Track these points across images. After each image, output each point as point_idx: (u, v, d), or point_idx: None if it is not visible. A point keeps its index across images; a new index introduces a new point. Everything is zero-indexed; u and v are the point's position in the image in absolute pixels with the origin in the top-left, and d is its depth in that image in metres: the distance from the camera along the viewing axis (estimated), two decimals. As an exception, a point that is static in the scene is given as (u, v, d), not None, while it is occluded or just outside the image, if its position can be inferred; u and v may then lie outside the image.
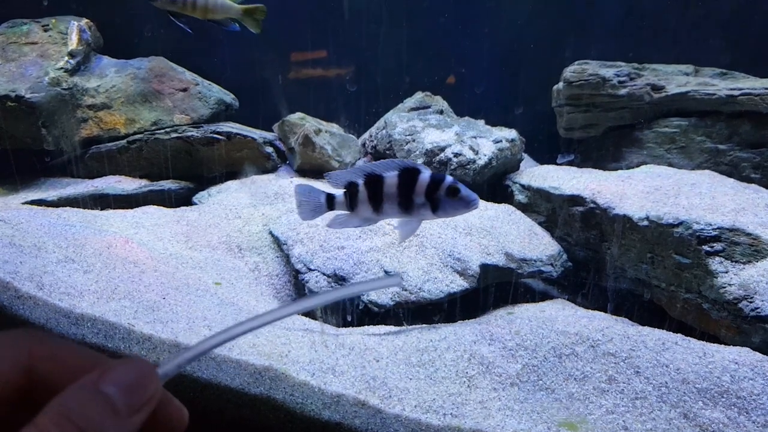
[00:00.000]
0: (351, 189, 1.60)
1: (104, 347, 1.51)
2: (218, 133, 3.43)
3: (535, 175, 3.30)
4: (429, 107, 3.95)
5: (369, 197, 1.59)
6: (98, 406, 0.41)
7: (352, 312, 2.11)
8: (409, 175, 1.57)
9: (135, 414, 0.43)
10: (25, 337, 0.45)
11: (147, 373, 0.45)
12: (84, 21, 3.69)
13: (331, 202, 1.65)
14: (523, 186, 3.24)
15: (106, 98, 3.48)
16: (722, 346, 1.81)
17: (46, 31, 3.56)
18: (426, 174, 1.57)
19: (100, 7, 3.85)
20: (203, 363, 1.55)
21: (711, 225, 2.24)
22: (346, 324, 2.09)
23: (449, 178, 1.59)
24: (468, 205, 1.58)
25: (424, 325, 1.94)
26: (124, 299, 1.68)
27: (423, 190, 1.56)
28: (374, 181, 1.58)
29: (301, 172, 3.44)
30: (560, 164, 3.78)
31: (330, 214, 1.67)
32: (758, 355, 1.73)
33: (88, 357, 0.46)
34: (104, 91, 3.51)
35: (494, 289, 2.53)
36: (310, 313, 2.14)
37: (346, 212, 1.65)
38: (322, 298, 0.58)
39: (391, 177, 1.58)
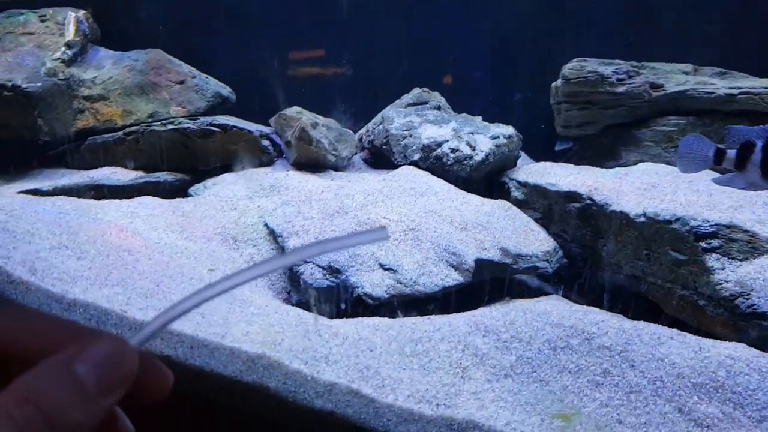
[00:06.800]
0: (746, 148, 1.54)
1: (95, 333, 1.50)
2: (215, 125, 3.42)
3: (531, 171, 3.29)
4: (426, 103, 3.94)
5: (763, 160, 1.52)
6: (66, 387, 0.38)
7: (346, 300, 2.10)
8: None
9: (107, 395, 0.41)
10: None
11: (122, 351, 0.42)
12: (81, 12, 3.67)
13: (720, 157, 1.60)
14: (519, 182, 3.24)
15: (103, 90, 3.46)
16: (718, 341, 1.81)
17: (43, 21, 3.54)
18: None
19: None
20: (195, 351, 1.54)
21: (708, 222, 2.24)
22: (339, 313, 2.08)
23: None
24: None
25: (418, 317, 1.93)
26: (117, 286, 1.67)
27: None
28: None
29: (298, 165, 3.43)
30: (558, 150, 3.78)
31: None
32: (754, 351, 1.73)
33: (66, 330, 0.44)
34: (101, 83, 3.49)
35: (489, 284, 2.52)
36: (303, 304, 2.13)
37: (734, 171, 1.58)
38: (303, 253, 0.53)
39: None
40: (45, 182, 2.98)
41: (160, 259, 1.97)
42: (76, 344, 0.41)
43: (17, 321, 0.43)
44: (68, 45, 3.46)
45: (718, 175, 1.92)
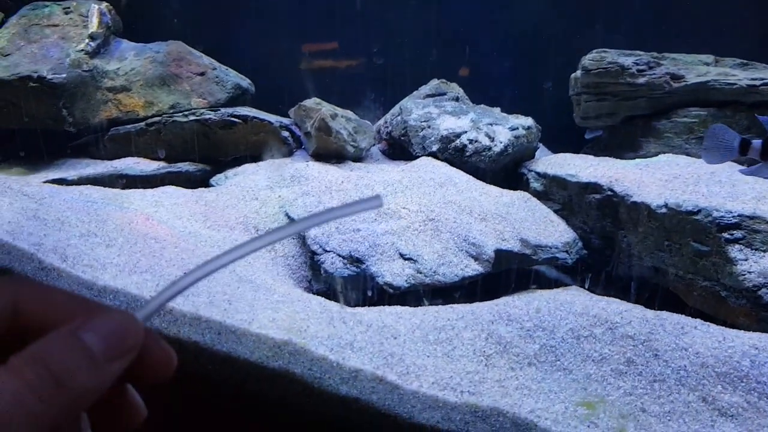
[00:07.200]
0: None
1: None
2: (235, 116, 3.45)
3: (551, 162, 3.28)
4: (445, 94, 3.94)
5: None
6: (75, 352, 0.41)
7: (372, 288, 2.13)
8: None
9: (113, 362, 0.43)
10: (9, 282, 0.45)
11: (128, 322, 0.45)
12: (104, 4, 3.72)
13: (745, 147, 1.60)
14: (538, 174, 3.23)
15: (126, 81, 3.51)
16: (742, 331, 1.80)
17: (67, 13, 3.59)
18: None
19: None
20: (223, 336, 1.57)
21: (731, 212, 2.22)
22: (366, 301, 2.11)
23: None
24: None
25: (440, 305, 1.95)
26: (145, 273, 1.70)
27: None
28: None
29: (317, 156, 3.45)
30: (588, 138, 3.77)
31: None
32: (778, 341, 1.72)
33: (78, 303, 0.47)
34: (123, 74, 3.54)
35: (509, 275, 2.53)
36: (324, 293, 2.16)
37: (761, 161, 1.60)
38: (302, 225, 0.54)
39: None
40: (70, 172, 3.04)
41: (185, 247, 2.00)
42: (85, 315, 0.44)
43: (29, 292, 0.45)
44: (92, 37, 3.51)
45: (741, 166, 1.90)
